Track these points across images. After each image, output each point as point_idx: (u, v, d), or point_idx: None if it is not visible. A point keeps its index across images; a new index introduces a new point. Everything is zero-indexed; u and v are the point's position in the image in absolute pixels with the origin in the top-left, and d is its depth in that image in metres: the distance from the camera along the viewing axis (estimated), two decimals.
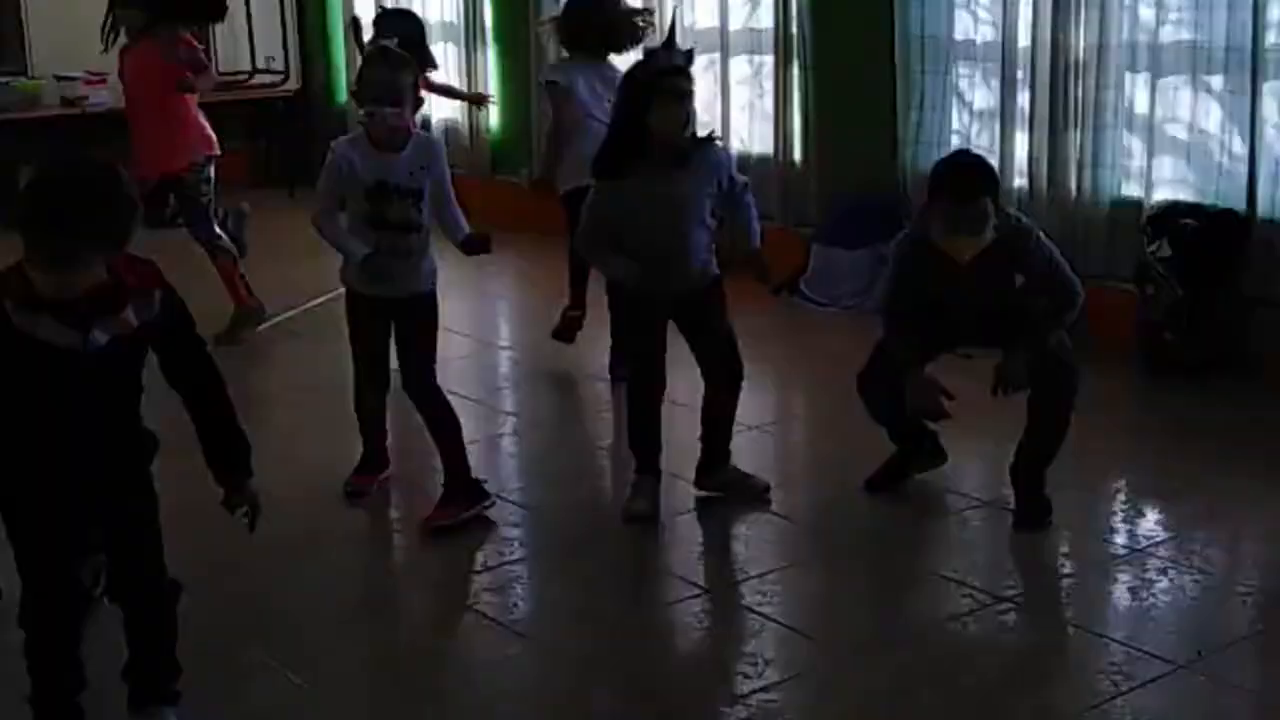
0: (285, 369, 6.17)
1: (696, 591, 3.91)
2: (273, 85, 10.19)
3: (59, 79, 9.03)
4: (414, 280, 4.28)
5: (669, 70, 4.15)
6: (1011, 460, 4.23)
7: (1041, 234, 4.15)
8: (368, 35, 6.69)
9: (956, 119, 6.56)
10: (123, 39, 6.43)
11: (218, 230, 6.51)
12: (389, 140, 4.17)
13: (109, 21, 6.40)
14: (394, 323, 4.34)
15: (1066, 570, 4.04)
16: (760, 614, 3.72)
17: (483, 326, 6.75)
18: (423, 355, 4.33)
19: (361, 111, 4.18)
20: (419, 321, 4.32)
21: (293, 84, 10.29)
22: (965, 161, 4.24)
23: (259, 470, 4.66)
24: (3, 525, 2.88)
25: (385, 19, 6.95)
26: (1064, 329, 4.14)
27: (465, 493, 4.31)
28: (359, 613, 3.90)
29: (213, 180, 6.50)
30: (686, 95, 4.15)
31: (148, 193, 6.29)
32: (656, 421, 4.38)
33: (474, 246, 4.35)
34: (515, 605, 3.87)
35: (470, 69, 8.84)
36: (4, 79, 9.24)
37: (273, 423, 5.45)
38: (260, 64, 10.13)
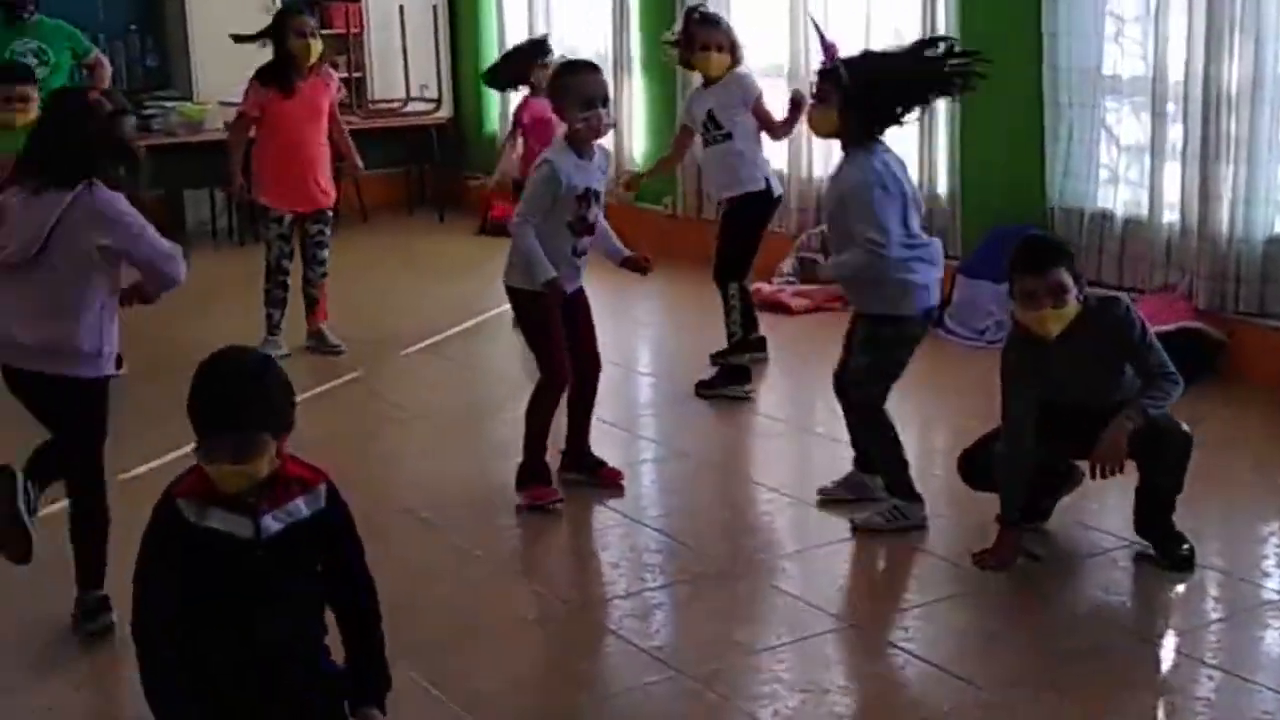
0: (433, 390, 6.30)
1: (840, 625, 3.92)
2: (425, 113, 10.42)
3: (222, 104, 9.33)
4: (582, 273, 4.72)
5: None
6: (1133, 515, 4.19)
7: (1133, 306, 4.12)
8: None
9: (1105, 153, 6.49)
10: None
11: None
12: (588, 146, 4.55)
13: (299, 55, 6.40)
14: (564, 316, 4.66)
15: (1216, 614, 3.97)
16: (905, 650, 3.72)
17: (626, 353, 6.82)
18: (595, 338, 4.80)
19: (579, 117, 4.48)
20: (587, 308, 4.76)
21: (445, 112, 10.52)
22: (1035, 235, 4.43)
23: (404, 488, 4.84)
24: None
25: (515, 53, 7.10)
26: (1164, 406, 4.02)
27: None
28: (503, 633, 3.96)
29: None
30: None
31: (286, 229, 6.53)
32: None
33: (635, 265, 4.77)
34: (656, 632, 3.91)
35: (616, 97, 8.96)
36: (170, 103, 9.61)
37: (417, 443, 5.59)
38: (414, 92, 10.37)
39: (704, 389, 5.93)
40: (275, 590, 2.74)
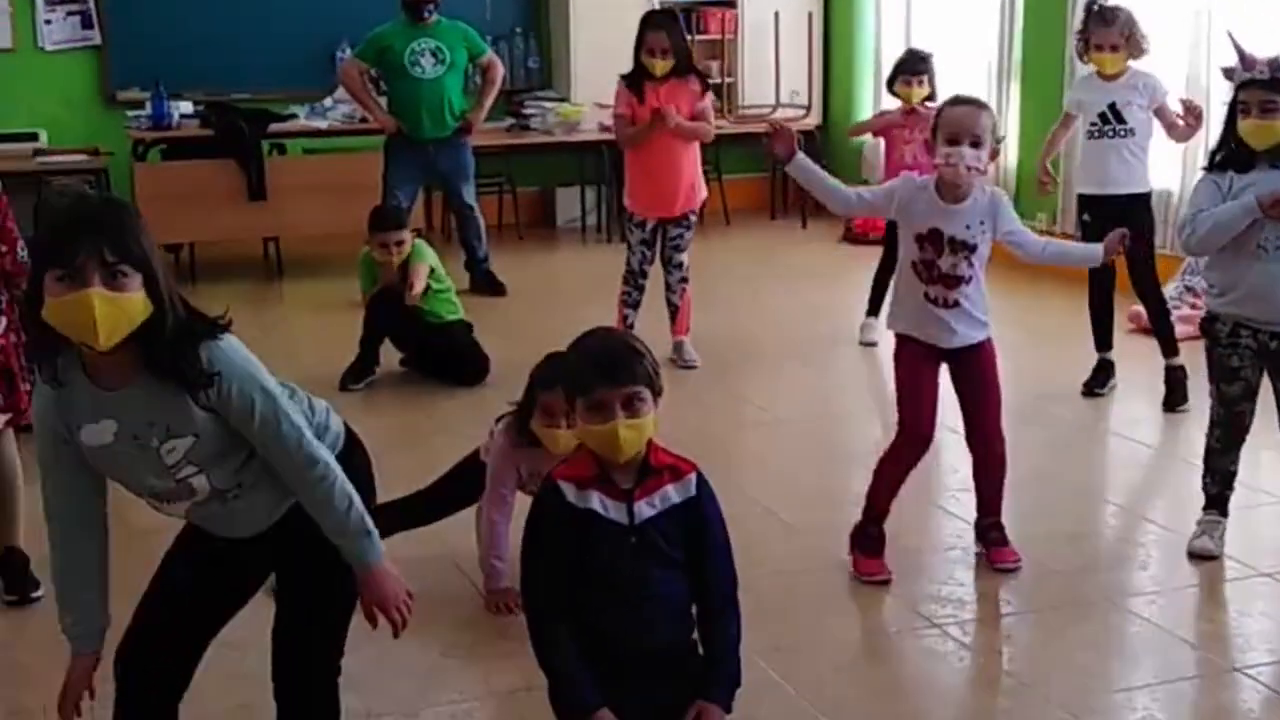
0: (794, 396, 6.30)
1: (1221, 669, 3.69)
2: (794, 119, 10.42)
3: (598, 106, 9.58)
4: (970, 330, 4.12)
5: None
6: None
7: None
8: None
9: None
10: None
11: None
12: (955, 188, 4.01)
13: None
14: (951, 371, 4.22)
15: None
16: None
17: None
18: (988, 411, 4.21)
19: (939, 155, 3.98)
20: (983, 375, 4.18)
21: (814, 119, 10.51)
22: None
23: (766, 489, 4.82)
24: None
25: (906, 62, 6.97)
26: None
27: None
28: (861, 641, 3.96)
29: None
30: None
31: (649, 234, 6.58)
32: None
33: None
34: (1017, 656, 3.80)
35: (999, 103, 8.78)
36: (549, 104, 9.94)
37: (778, 446, 5.59)
38: (784, 98, 10.40)
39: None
40: (644, 578, 2.77)
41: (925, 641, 3.88)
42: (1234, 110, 4.12)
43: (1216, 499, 4.37)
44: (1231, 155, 4.13)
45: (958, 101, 4.10)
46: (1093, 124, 5.86)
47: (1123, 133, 5.78)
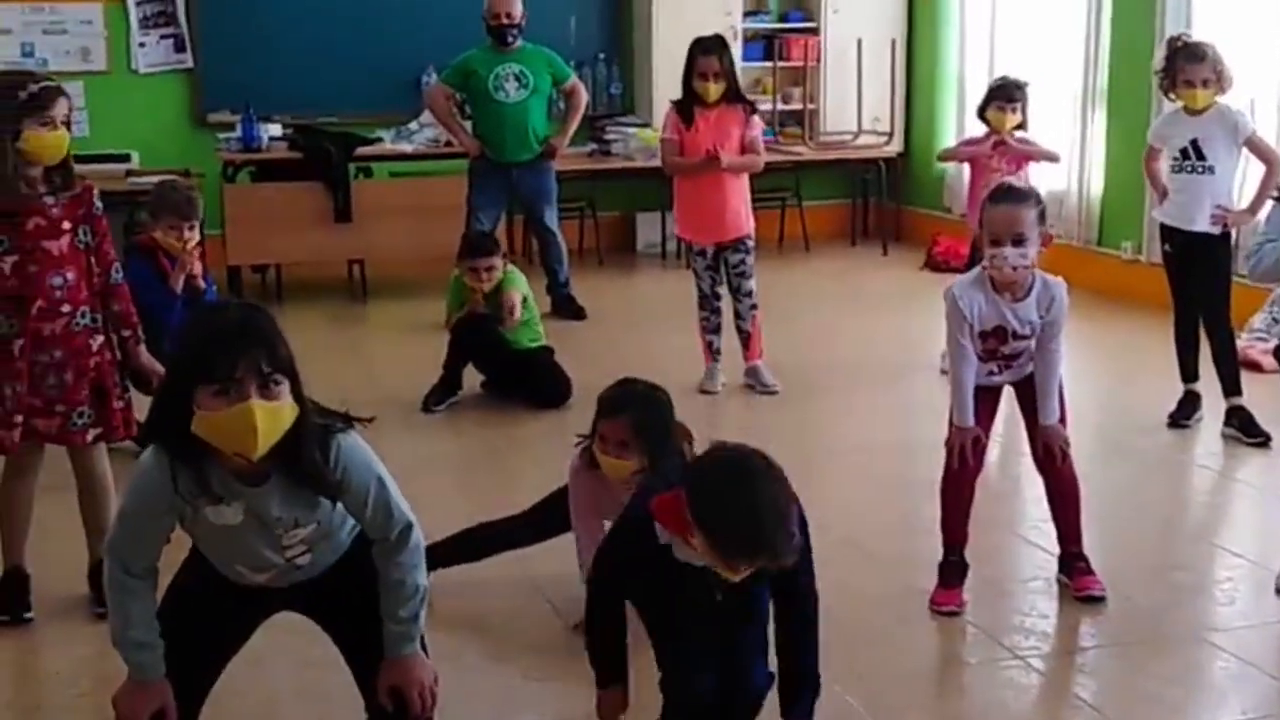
0: (870, 424, 6.26)
1: None
2: (876, 146, 10.41)
3: None
4: (1026, 368, 4.18)
5: None
6: None
7: None
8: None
9: None
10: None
11: None
12: (1006, 285, 4.00)
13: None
14: (1016, 391, 4.29)
15: None
16: None
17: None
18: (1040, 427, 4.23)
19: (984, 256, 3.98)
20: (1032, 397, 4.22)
21: (895, 146, 10.47)
22: None
23: (844, 518, 4.81)
24: None
25: (1001, 88, 6.90)
26: None
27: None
28: (942, 672, 3.94)
29: None
30: None
31: (711, 260, 6.55)
32: None
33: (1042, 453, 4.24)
34: (1104, 691, 3.73)
35: (1084, 130, 8.70)
36: (631, 129, 9.97)
37: (853, 476, 5.56)
38: (866, 125, 10.38)
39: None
40: (727, 631, 2.81)
41: (1007, 673, 3.84)
42: None
43: None
44: None
45: (998, 198, 4.03)
46: (1175, 159, 5.79)
47: (1203, 169, 5.70)
